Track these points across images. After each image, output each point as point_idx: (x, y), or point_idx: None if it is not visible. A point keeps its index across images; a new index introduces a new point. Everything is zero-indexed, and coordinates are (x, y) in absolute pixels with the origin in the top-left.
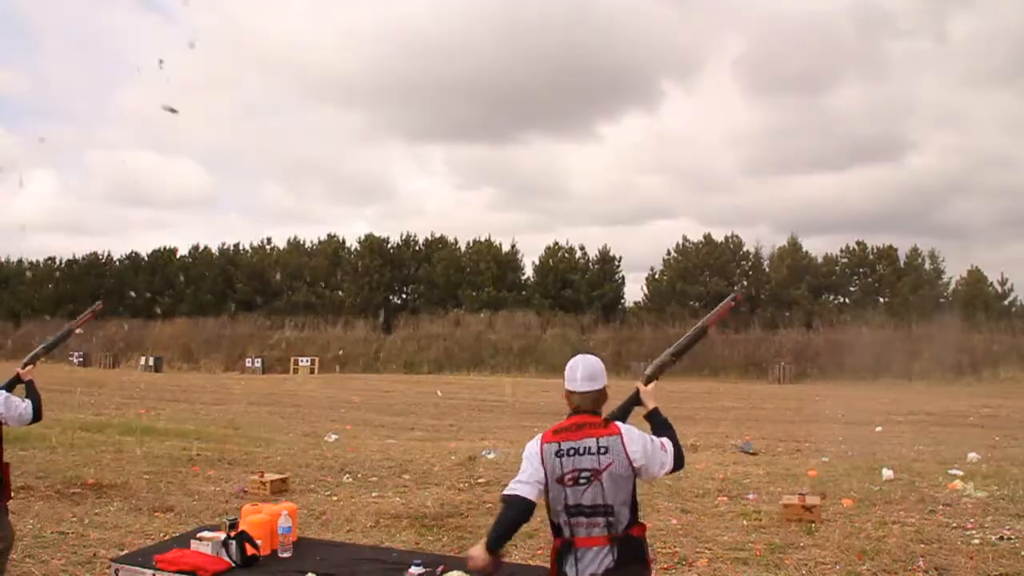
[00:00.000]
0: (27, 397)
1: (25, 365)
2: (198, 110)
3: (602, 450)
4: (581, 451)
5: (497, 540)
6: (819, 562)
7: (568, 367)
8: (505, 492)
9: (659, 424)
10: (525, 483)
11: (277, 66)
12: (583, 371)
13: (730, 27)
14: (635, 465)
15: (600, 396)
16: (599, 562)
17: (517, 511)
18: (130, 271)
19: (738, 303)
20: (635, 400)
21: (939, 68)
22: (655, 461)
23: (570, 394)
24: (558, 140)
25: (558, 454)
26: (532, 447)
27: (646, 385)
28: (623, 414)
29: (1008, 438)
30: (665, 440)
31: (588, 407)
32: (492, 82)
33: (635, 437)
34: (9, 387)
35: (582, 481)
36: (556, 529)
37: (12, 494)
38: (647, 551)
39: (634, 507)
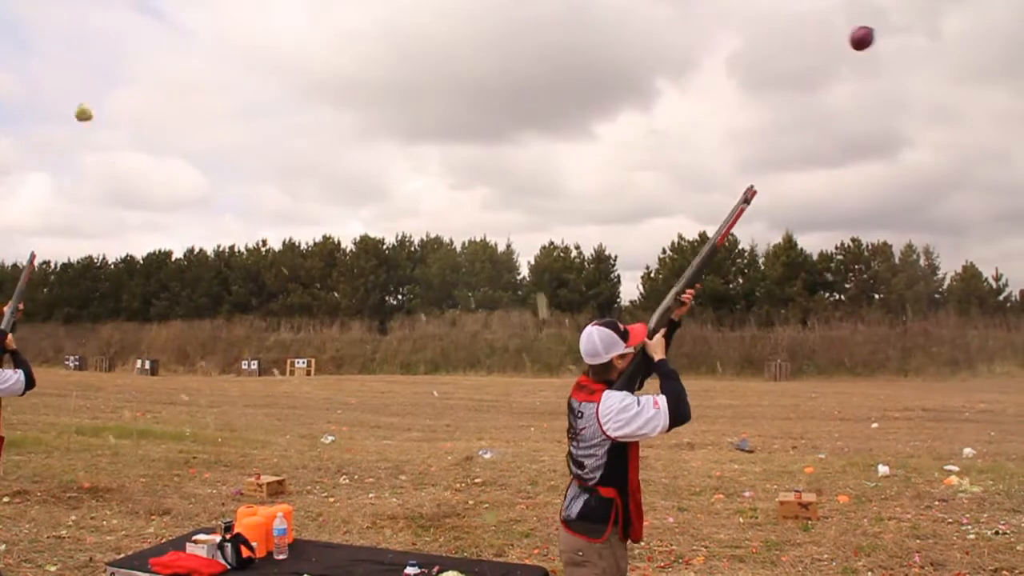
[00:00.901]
0: (16, 367)
1: (3, 334)
2: (192, 111)
3: (579, 414)
4: (571, 410)
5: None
6: (815, 559)
7: (581, 335)
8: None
9: (664, 375)
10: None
11: (271, 67)
12: (584, 347)
13: (724, 25)
14: (609, 434)
15: (603, 368)
16: (571, 503)
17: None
18: (125, 274)
19: (749, 198)
20: (643, 357)
21: (933, 64)
22: (635, 423)
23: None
24: (553, 139)
25: (568, 406)
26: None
27: (650, 338)
28: (634, 371)
29: (1004, 433)
30: (659, 398)
31: (592, 372)
32: (487, 82)
33: (612, 406)
34: (31, 375)
35: (569, 435)
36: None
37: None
38: (612, 513)
39: (611, 471)
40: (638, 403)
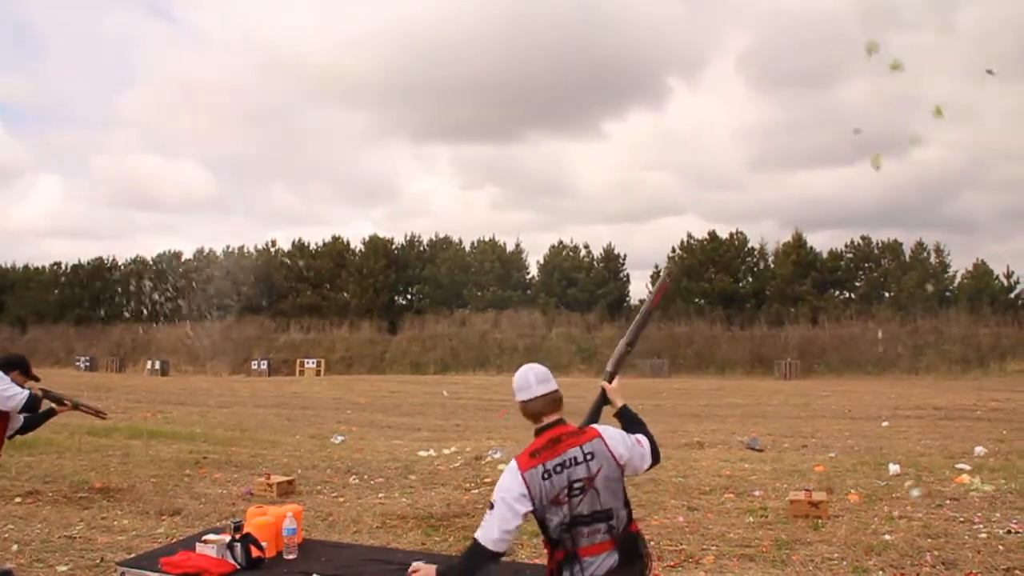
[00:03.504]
0: (40, 412)
1: (62, 401)
2: (202, 113)
3: (588, 456)
4: (568, 463)
5: None
6: (826, 558)
7: (517, 377)
8: (478, 538)
9: (630, 420)
10: (499, 538)
11: (281, 68)
12: (535, 375)
13: (734, 22)
14: (621, 463)
15: (558, 398)
16: (602, 564)
17: (484, 562)
18: (135, 275)
19: (671, 278)
20: (603, 400)
21: (945, 61)
22: (635, 455)
23: (527, 404)
24: (563, 138)
25: (544, 476)
26: (510, 483)
27: (610, 382)
28: (594, 416)
29: (1016, 432)
30: (640, 436)
31: (550, 411)
32: (496, 81)
33: (615, 435)
34: (34, 405)
35: (576, 493)
36: (555, 543)
37: None
38: (645, 544)
39: (627, 504)
40: (627, 436)
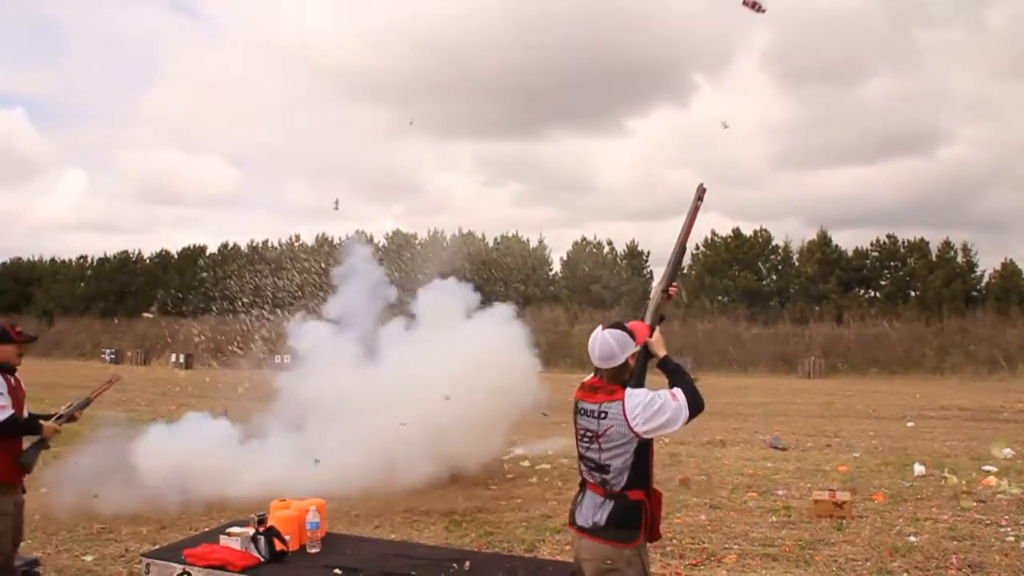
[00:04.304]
0: (31, 444)
1: (58, 419)
2: (225, 108)
3: (602, 415)
4: (587, 413)
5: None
6: (849, 559)
7: (590, 340)
8: None
9: (671, 372)
10: None
11: (304, 64)
12: (599, 351)
13: (760, 18)
14: (636, 429)
15: (618, 371)
16: (594, 512)
17: None
18: (159, 269)
19: (702, 195)
20: (646, 355)
21: (973, 58)
22: (663, 416)
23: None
24: (585, 135)
25: (576, 411)
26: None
27: (650, 335)
28: (642, 369)
29: None
30: (675, 391)
31: (609, 378)
32: (518, 77)
33: (638, 405)
34: (27, 427)
35: (586, 440)
36: (580, 471)
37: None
38: (643, 517)
39: (637, 471)
40: (660, 397)
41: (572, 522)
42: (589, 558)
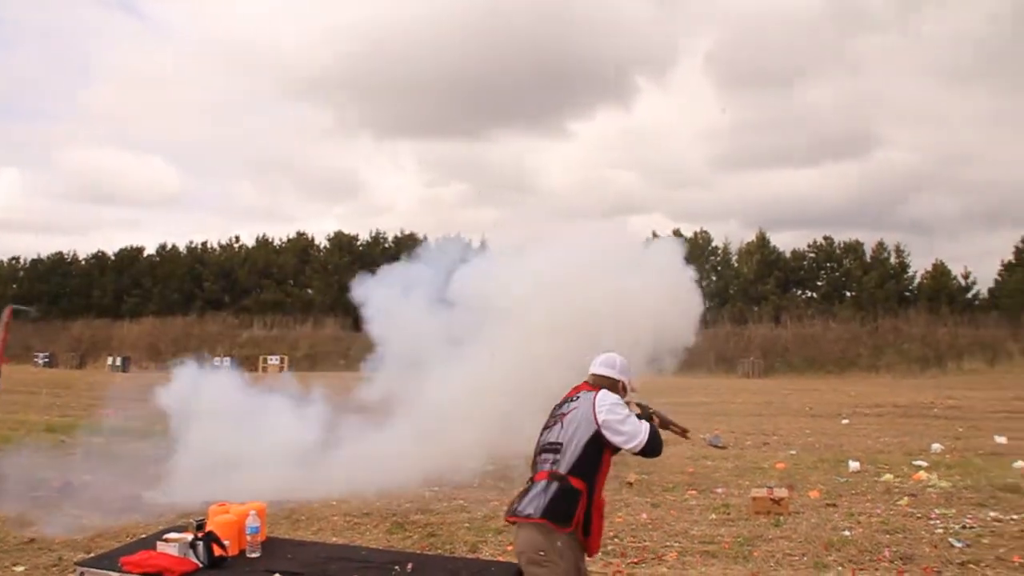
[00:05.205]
0: None
1: None
2: (167, 107)
3: (575, 398)
4: (564, 402)
5: None
6: (787, 553)
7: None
8: None
9: (647, 419)
10: None
11: (248, 62)
12: (603, 358)
13: (703, 22)
14: (598, 417)
15: (607, 383)
16: (534, 499)
17: None
18: (96, 270)
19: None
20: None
21: (909, 64)
22: (625, 426)
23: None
24: (529, 136)
25: (555, 407)
26: None
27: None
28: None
29: (971, 429)
30: (644, 423)
31: (593, 378)
32: (463, 78)
33: (608, 399)
34: None
35: (551, 422)
36: (532, 466)
37: None
38: (580, 506)
39: (584, 461)
40: (632, 414)
41: (511, 513)
42: (523, 548)
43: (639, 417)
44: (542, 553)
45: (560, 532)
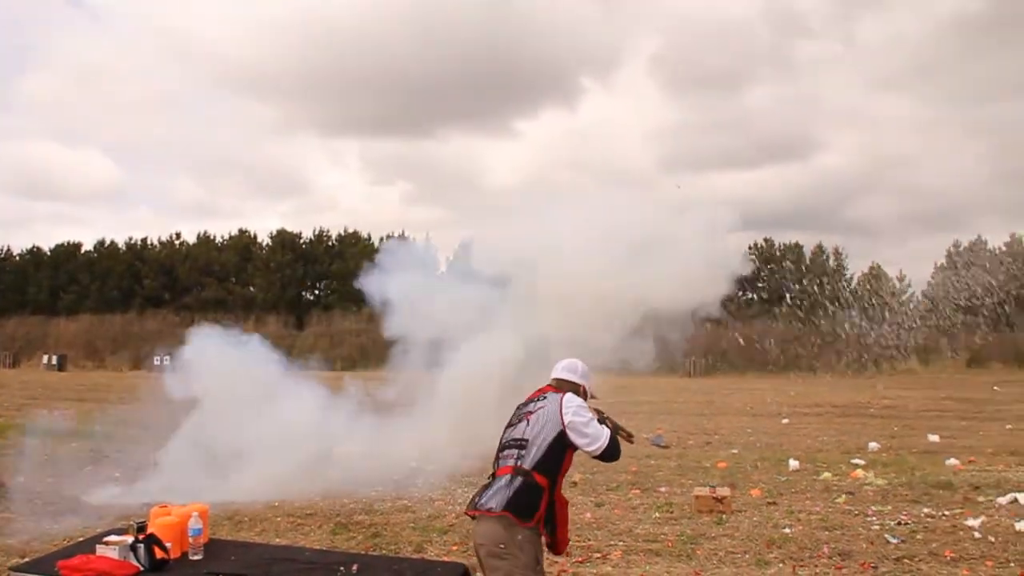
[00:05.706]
0: None
1: None
2: (105, 99)
3: (542, 398)
4: (529, 401)
5: None
6: (729, 551)
7: (564, 360)
8: None
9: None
10: None
11: (189, 55)
12: (565, 363)
13: (648, 25)
14: (564, 419)
15: (569, 387)
16: (495, 493)
17: None
18: (31, 266)
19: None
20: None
21: (847, 70)
22: (588, 428)
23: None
24: (474, 135)
25: (517, 407)
26: None
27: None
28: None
29: (906, 428)
30: (605, 428)
31: (557, 382)
32: (407, 76)
33: (574, 403)
34: None
35: (515, 420)
36: (495, 462)
37: None
38: (543, 501)
39: (548, 458)
40: (592, 418)
41: (472, 507)
42: (483, 542)
43: (599, 422)
44: (502, 546)
45: (522, 526)
